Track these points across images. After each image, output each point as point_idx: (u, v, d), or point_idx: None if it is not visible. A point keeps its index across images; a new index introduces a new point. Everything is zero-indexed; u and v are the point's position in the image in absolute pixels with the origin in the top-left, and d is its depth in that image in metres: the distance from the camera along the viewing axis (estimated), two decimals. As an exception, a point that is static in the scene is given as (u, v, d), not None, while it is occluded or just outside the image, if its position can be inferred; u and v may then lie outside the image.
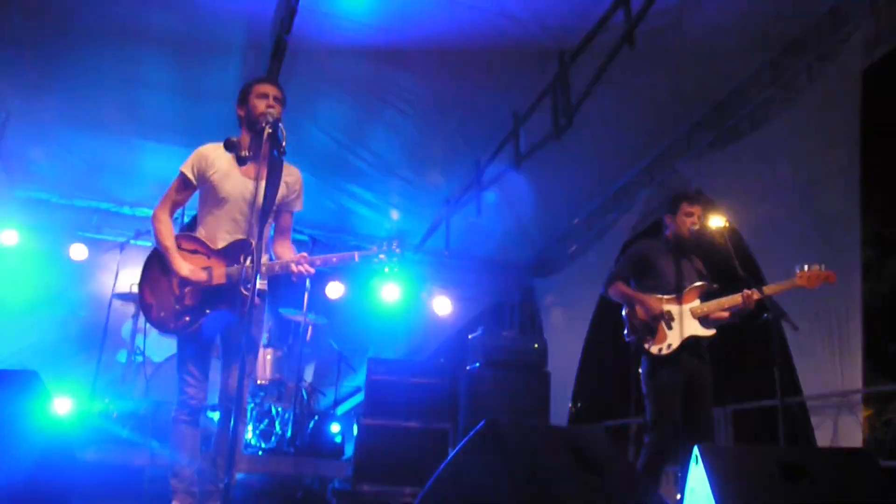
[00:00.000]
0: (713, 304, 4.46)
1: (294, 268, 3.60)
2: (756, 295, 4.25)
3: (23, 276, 8.25)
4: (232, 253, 3.61)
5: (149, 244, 7.98)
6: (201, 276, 3.58)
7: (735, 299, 4.38)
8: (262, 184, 3.35)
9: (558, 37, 5.77)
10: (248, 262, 3.47)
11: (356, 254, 3.71)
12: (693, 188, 6.56)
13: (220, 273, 3.59)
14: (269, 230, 3.80)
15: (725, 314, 4.45)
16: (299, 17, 5.25)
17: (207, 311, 3.56)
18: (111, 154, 7.55)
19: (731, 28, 5.61)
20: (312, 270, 3.63)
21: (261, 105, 3.62)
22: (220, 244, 3.66)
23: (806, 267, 4.31)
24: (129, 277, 7.78)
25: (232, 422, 3.01)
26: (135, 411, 6.58)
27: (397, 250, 3.77)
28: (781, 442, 3.88)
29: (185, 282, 3.57)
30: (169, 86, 6.44)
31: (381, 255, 3.75)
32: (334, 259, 3.72)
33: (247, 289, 3.27)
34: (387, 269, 3.78)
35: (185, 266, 3.58)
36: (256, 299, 3.63)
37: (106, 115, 6.87)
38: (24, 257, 8.20)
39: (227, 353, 3.70)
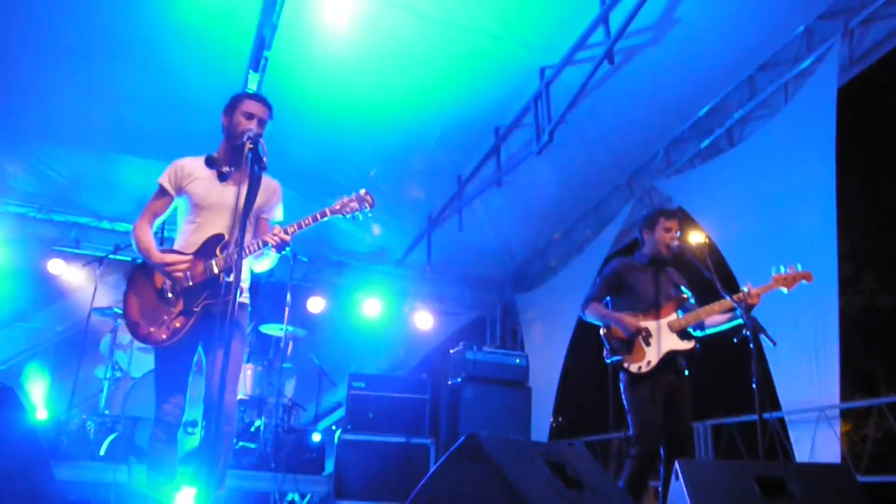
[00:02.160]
0: (690, 317, 4.48)
1: (270, 239, 3.56)
2: (743, 296, 4.24)
3: (-1, 290, 8.17)
4: (207, 249, 3.61)
5: (128, 259, 7.93)
6: (184, 263, 3.56)
7: (712, 308, 4.40)
8: (244, 189, 3.29)
9: (539, 54, 5.83)
10: (230, 249, 3.48)
11: (327, 210, 3.67)
12: (673, 206, 6.61)
13: (199, 270, 3.58)
14: (248, 236, 3.77)
15: (724, 318, 4.44)
16: (280, 33, 5.27)
17: (196, 310, 3.55)
18: (90, 168, 7.50)
19: (709, 46, 5.69)
20: (288, 238, 3.58)
21: (245, 123, 3.63)
22: (194, 248, 3.64)
23: (782, 268, 4.33)
24: (107, 292, 7.71)
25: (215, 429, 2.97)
26: (112, 427, 6.51)
27: (368, 197, 3.73)
28: (760, 457, 3.90)
29: (171, 271, 3.54)
30: (149, 100, 6.42)
31: (353, 204, 3.71)
32: (305, 222, 3.63)
33: (228, 276, 3.21)
34: (360, 217, 3.74)
35: (167, 255, 3.58)
36: (245, 292, 3.64)
37: (85, 129, 6.83)
38: (0, 272, 8.11)
39: (210, 364, 3.63)
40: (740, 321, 4.32)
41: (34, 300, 8.65)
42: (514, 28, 5.56)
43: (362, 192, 3.74)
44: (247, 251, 3.59)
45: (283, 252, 3.64)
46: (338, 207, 3.71)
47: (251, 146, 3.32)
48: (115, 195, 7.92)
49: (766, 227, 5.88)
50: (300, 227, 3.64)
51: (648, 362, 4.39)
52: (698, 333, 4.51)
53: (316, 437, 6.91)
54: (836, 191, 5.25)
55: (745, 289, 4.29)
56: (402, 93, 6.31)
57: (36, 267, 8.34)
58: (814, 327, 5.25)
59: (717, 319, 4.49)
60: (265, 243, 3.58)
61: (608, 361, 4.57)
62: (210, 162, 3.71)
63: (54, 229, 8.36)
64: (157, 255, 3.59)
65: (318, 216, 3.65)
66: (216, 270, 3.53)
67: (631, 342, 4.47)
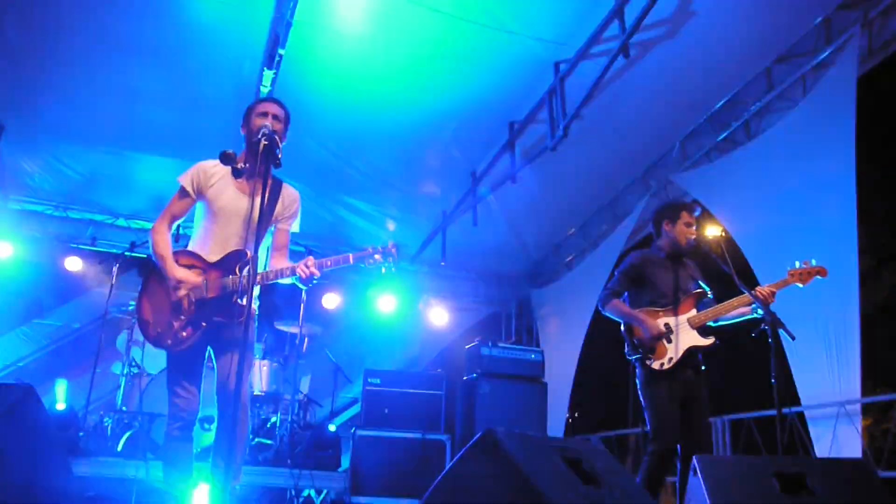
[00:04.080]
0: (710, 312, 4.43)
1: (300, 271, 3.58)
2: (764, 292, 4.21)
3: (17, 288, 8.22)
4: (227, 264, 3.60)
5: (144, 256, 7.96)
6: (196, 280, 3.57)
7: (731, 304, 4.36)
8: (258, 200, 3.30)
9: (553, 48, 5.79)
10: (244, 272, 3.47)
11: (350, 255, 3.70)
12: (689, 200, 6.55)
13: (215, 285, 3.57)
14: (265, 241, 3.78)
15: (747, 310, 4.40)
16: (294, 30, 5.26)
17: (204, 325, 3.55)
18: (106, 166, 7.53)
19: (726, 38, 5.63)
20: (318, 273, 3.60)
21: (260, 121, 3.63)
22: (214, 257, 3.65)
23: (797, 264, 4.30)
24: (124, 289, 7.75)
25: (229, 428, 2.98)
26: (129, 423, 6.55)
27: (393, 251, 3.73)
28: (779, 452, 3.86)
29: (179, 287, 3.55)
30: (164, 97, 6.43)
31: (377, 256, 3.71)
32: (329, 263, 3.67)
33: (242, 299, 3.24)
34: (383, 270, 3.74)
35: (180, 270, 3.58)
36: (253, 308, 3.63)
37: (101, 126, 6.85)
38: (18, 269, 8.17)
39: (220, 364, 3.66)
40: (757, 315, 4.29)
41: (51, 297, 8.71)
42: (529, 22, 5.52)
43: (389, 244, 3.74)
44: (271, 276, 3.63)
45: (307, 285, 3.65)
46: (362, 255, 3.71)
47: (266, 142, 3.32)
48: (131, 192, 7.96)
49: (785, 220, 5.82)
50: (320, 266, 3.64)
51: (670, 359, 4.35)
52: (712, 324, 4.47)
53: (331, 428, 6.92)
54: (855, 184, 5.18)
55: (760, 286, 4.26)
56: (415, 88, 6.28)
57: (53, 264, 8.39)
58: (834, 321, 5.20)
59: (734, 313, 4.45)
60: (293, 272, 3.60)
61: (630, 359, 4.54)
62: (225, 158, 3.69)
63: (71, 227, 8.41)
64: (171, 268, 3.59)
65: (340, 259, 3.67)
66: (230, 289, 3.53)
67: (654, 343, 4.42)
